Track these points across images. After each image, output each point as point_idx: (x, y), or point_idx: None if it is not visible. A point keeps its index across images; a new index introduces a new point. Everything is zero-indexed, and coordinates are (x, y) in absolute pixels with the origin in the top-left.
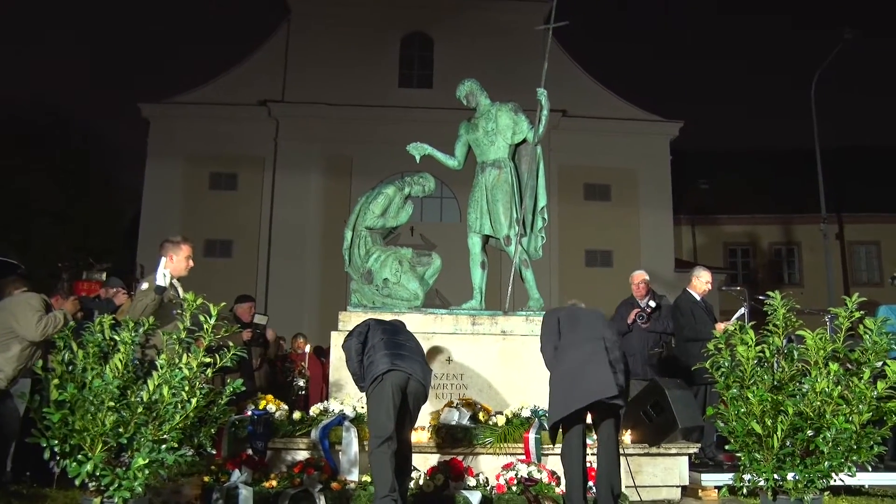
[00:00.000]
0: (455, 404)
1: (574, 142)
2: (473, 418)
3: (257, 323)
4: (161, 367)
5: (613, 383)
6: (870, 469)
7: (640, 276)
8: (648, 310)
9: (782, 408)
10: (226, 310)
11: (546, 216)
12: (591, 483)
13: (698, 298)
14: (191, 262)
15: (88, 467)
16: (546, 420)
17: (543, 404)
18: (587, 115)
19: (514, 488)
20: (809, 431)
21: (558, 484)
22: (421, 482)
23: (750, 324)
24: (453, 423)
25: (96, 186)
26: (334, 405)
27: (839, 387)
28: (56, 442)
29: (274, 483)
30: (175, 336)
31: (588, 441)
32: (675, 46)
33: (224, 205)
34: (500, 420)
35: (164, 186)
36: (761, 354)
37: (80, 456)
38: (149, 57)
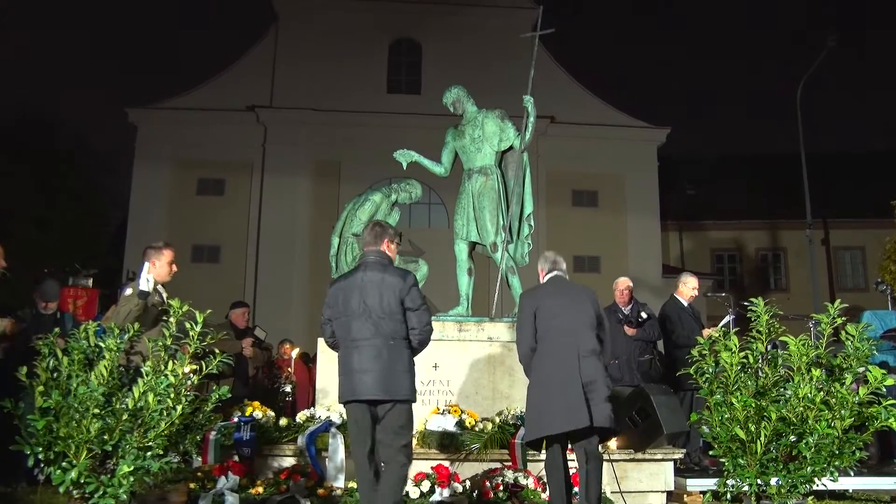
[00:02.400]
0: (441, 410)
1: (562, 148)
2: (460, 424)
3: (256, 336)
4: (146, 374)
5: (586, 411)
6: (852, 474)
7: (624, 282)
8: (640, 320)
9: (765, 413)
10: (211, 316)
11: (532, 223)
12: (576, 489)
13: (686, 304)
14: (174, 268)
15: (73, 475)
16: None
17: None
18: (575, 121)
19: (500, 494)
20: (792, 437)
21: (544, 490)
22: (407, 488)
23: (735, 330)
24: (440, 429)
25: (82, 191)
26: (321, 411)
27: (822, 392)
28: (40, 449)
29: (260, 489)
30: (161, 343)
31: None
32: (664, 52)
33: (212, 210)
34: (487, 426)
35: (151, 191)
36: (745, 360)
37: (64, 463)
38: (136, 61)
